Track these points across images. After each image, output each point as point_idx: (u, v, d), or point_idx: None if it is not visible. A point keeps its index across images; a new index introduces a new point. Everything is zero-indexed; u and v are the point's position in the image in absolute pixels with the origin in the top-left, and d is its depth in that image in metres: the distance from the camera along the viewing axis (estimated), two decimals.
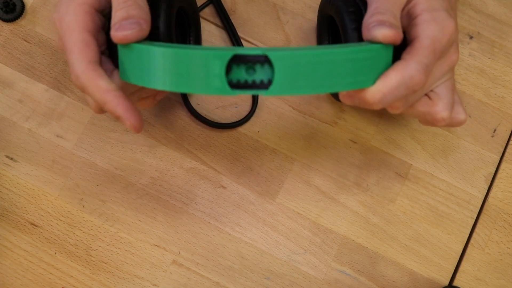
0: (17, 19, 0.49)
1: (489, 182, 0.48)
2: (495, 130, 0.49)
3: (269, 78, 0.30)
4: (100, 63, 0.35)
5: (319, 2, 0.51)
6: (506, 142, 0.49)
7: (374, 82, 0.33)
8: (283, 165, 0.48)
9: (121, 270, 0.46)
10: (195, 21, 0.46)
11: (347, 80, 0.31)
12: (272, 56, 0.30)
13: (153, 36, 0.36)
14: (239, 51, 0.30)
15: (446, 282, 0.47)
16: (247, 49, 0.30)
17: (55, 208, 0.47)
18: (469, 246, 0.47)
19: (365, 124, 0.49)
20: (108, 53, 0.37)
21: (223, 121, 0.48)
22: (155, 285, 0.46)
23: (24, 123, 0.48)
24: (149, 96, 0.40)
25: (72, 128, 0.48)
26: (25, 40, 0.49)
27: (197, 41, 0.47)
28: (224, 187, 0.48)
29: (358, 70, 0.32)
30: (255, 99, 0.49)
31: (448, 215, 0.48)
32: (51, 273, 0.46)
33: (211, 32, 0.50)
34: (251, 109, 0.48)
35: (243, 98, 0.49)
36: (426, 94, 0.37)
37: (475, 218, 0.48)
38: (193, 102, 0.49)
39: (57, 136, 0.48)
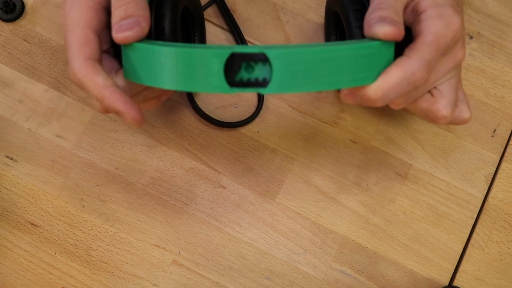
0: (17, 19, 0.49)
1: (489, 182, 0.48)
2: (495, 130, 0.49)
3: (268, 76, 0.30)
4: (100, 61, 0.34)
5: (319, 2, 0.51)
6: (506, 142, 0.49)
7: (375, 79, 0.32)
8: (283, 165, 0.48)
9: (121, 270, 0.46)
10: (200, 21, 0.47)
11: (348, 77, 0.31)
12: (269, 53, 0.30)
13: (159, 36, 0.36)
14: (237, 49, 0.30)
15: (446, 282, 0.47)
16: (245, 47, 0.30)
17: (55, 208, 0.47)
18: (469, 246, 0.47)
19: (365, 124, 0.49)
20: (114, 51, 0.37)
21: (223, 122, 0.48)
22: (155, 285, 0.46)
23: (24, 123, 0.48)
24: (154, 96, 0.40)
25: (72, 128, 0.48)
26: (25, 40, 0.49)
27: (202, 41, 0.47)
28: (224, 187, 0.48)
29: (359, 67, 0.31)
30: (260, 98, 0.48)
31: (448, 215, 0.48)
32: (51, 273, 0.46)
33: (211, 32, 0.50)
34: (257, 108, 0.48)
35: (243, 98, 0.49)
36: (429, 91, 0.37)
37: (475, 218, 0.48)
38: None
39: (57, 136, 0.48)
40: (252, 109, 0.49)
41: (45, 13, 0.50)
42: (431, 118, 0.37)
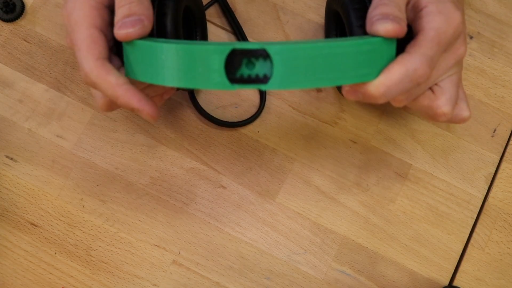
0: (17, 19, 0.49)
1: (489, 182, 0.48)
2: (495, 130, 0.49)
3: (269, 72, 0.30)
4: (109, 59, 0.34)
5: (319, 2, 0.51)
6: (506, 142, 0.49)
7: (377, 75, 0.32)
8: (283, 165, 0.48)
9: (121, 270, 0.46)
10: (201, 20, 0.47)
11: (349, 74, 0.31)
12: (270, 49, 0.30)
13: (161, 35, 0.37)
14: (237, 45, 0.30)
15: (446, 282, 0.47)
16: (245, 43, 0.30)
17: (55, 208, 0.47)
18: (469, 246, 0.47)
19: (365, 124, 0.49)
20: (115, 50, 0.37)
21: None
22: (155, 285, 0.46)
23: (24, 123, 0.48)
24: (156, 95, 0.40)
25: (72, 128, 0.48)
26: (25, 40, 0.49)
27: (204, 40, 0.47)
28: (224, 187, 0.48)
29: (360, 63, 0.31)
30: (262, 98, 0.48)
31: (448, 215, 0.48)
32: (51, 273, 0.46)
33: (212, 33, 0.50)
34: (259, 107, 0.48)
35: (243, 98, 0.49)
36: (430, 88, 0.36)
37: (475, 218, 0.48)
38: None
39: (57, 136, 0.48)
40: (252, 109, 0.49)
41: (45, 13, 0.50)
42: (431, 115, 0.37)
